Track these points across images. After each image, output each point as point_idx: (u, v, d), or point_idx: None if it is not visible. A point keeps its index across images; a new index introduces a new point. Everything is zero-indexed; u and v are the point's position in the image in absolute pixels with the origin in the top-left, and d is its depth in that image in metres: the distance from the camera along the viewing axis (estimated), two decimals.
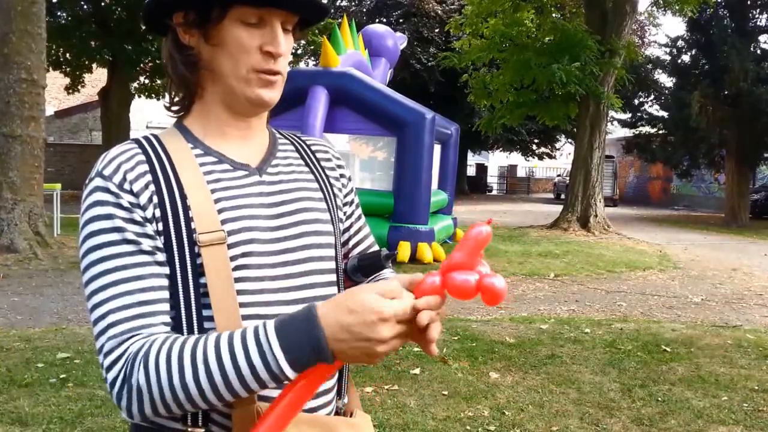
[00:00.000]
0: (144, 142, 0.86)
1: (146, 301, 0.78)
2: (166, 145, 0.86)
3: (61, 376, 3.39)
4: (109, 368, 0.76)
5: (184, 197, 0.82)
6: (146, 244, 0.79)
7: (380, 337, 0.70)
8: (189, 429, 0.81)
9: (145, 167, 0.82)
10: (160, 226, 0.81)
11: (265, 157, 0.91)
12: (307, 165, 0.96)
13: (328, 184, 0.97)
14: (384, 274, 1.00)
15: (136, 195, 0.80)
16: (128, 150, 0.84)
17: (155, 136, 0.88)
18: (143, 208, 0.80)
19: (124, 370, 0.75)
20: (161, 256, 0.80)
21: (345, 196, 1.01)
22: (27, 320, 4.76)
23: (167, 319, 0.79)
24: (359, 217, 1.04)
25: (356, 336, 0.70)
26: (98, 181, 0.81)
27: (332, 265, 0.92)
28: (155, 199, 0.81)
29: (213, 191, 0.84)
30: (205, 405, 0.75)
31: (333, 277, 0.92)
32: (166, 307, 0.80)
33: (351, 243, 1.02)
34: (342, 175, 1.01)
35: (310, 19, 0.90)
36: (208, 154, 0.87)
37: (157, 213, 0.81)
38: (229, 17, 0.82)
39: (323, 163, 0.98)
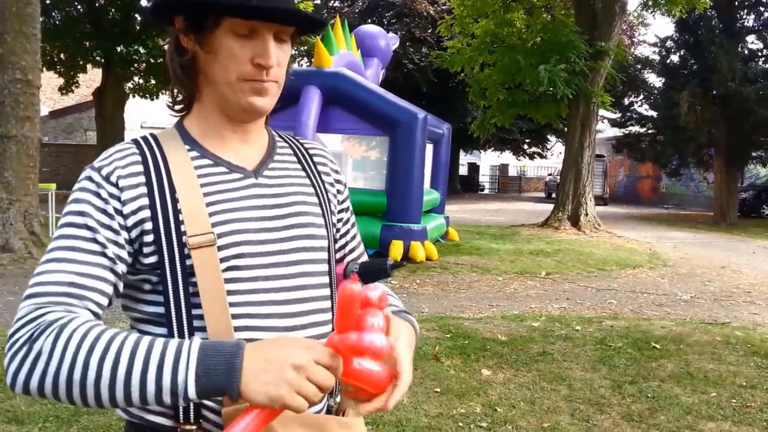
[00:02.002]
0: (142, 143, 0.88)
1: (78, 284, 0.79)
2: (164, 147, 0.88)
3: None
4: (18, 329, 0.74)
5: (175, 200, 0.84)
6: (103, 234, 0.81)
7: (298, 361, 0.71)
8: (181, 426, 0.82)
9: (140, 168, 0.85)
10: (150, 226, 0.83)
11: (263, 160, 0.93)
12: (303, 169, 0.98)
13: (323, 189, 0.98)
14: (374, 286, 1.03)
15: (121, 189, 0.83)
16: (125, 149, 0.87)
17: (154, 137, 0.90)
18: (123, 203, 0.82)
19: (32, 331, 0.74)
20: (113, 251, 0.81)
21: (340, 203, 1.03)
22: None
23: (94, 308, 0.80)
24: (353, 224, 1.07)
25: (273, 359, 0.71)
26: (88, 172, 0.85)
27: (325, 267, 0.94)
28: (145, 200, 0.83)
29: (206, 194, 0.85)
30: (93, 396, 0.71)
31: (326, 280, 0.94)
32: (99, 297, 0.80)
33: (347, 249, 1.04)
34: (338, 181, 1.03)
35: (305, 30, 0.92)
36: (205, 156, 0.89)
37: (147, 213, 0.83)
38: (222, 27, 0.84)
39: (320, 168, 1.00)
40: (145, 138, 0.90)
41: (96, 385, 0.71)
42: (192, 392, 0.71)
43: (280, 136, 1.01)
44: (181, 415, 0.82)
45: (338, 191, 1.02)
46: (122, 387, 0.71)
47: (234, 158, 0.90)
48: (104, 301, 0.81)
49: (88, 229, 0.81)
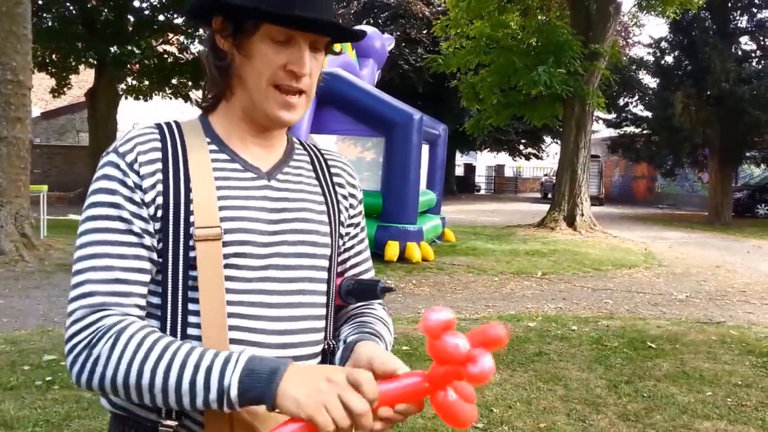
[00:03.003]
0: (165, 129, 0.89)
1: (124, 280, 0.81)
2: (185, 136, 0.89)
3: (47, 379, 3.36)
4: (76, 333, 0.79)
5: (188, 190, 0.84)
6: (137, 225, 0.82)
7: (332, 376, 0.73)
8: (162, 421, 0.82)
9: (159, 154, 0.85)
10: (160, 213, 0.83)
11: (278, 164, 0.94)
12: (317, 179, 0.98)
13: (334, 200, 0.98)
14: (373, 304, 1.02)
15: (142, 177, 0.84)
16: (148, 134, 0.87)
17: (177, 125, 0.91)
18: (144, 191, 0.83)
19: (91, 337, 0.78)
20: (148, 240, 0.83)
21: (351, 217, 1.02)
22: (13, 323, 4.71)
23: (141, 302, 0.82)
24: (362, 240, 1.05)
25: (312, 373, 0.74)
26: (112, 157, 0.85)
27: (324, 275, 0.94)
28: (160, 186, 0.84)
29: (219, 188, 0.86)
30: (148, 399, 0.76)
31: (323, 287, 0.93)
32: (143, 290, 0.83)
33: (349, 263, 1.03)
34: (353, 195, 1.02)
35: (340, 40, 0.92)
36: (223, 151, 0.90)
37: (160, 200, 0.84)
38: (260, 32, 0.85)
39: (335, 179, 1.00)
40: (168, 124, 0.91)
41: (150, 389, 0.75)
42: (234, 395, 0.74)
43: (301, 144, 1.01)
44: (163, 410, 0.82)
45: (351, 205, 1.01)
46: (174, 392, 0.75)
47: (250, 158, 0.91)
48: (145, 291, 0.84)
49: (123, 220, 0.82)
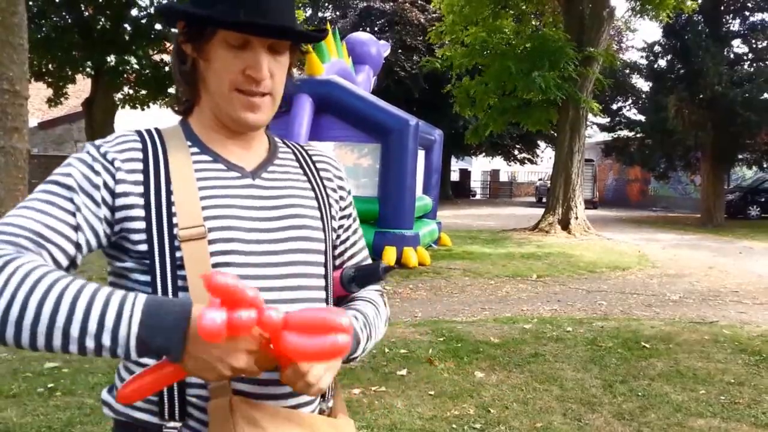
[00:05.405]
0: (145, 133, 0.90)
1: (42, 236, 0.78)
2: (165, 139, 0.90)
3: (49, 386, 3.38)
4: None
5: (169, 191, 0.84)
6: (81, 199, 0.82)
7: (233, 363, 0.73)
8: (165, 423, 0.83)
9: (139, 155, 0.86)
10: (142, 214, 0.83)
11: (262, 163, 0.95)
12: (305, 174, 0.99)
13: (324, 194, 0.99)
14: (369, 290, 1.03)
15: (117, 168, 0.84)
16: (128, 136, 0.89)
17: (157, 130, 0.92)
18: (117, 182, 0.84)
19: None
20: (84, 217, 0.81)
21: (342, 209, 1.03)
22: None
23: (49, 260, 0.78)
24: (356, 231, 1.06)
25: (213, 350, 0.72)
26: (88, 147, 0.87)
27: (320, 270, 0.94)
28: (141, 188, 0.84)
29: (202, 188, 0.86)
30: (28, 336, 0.70)
31: (321, 282, 0.94)
32: (58, 254, 0.79)
33: (346, 255, 1.03)
34: (341, 188, 1.03)
35: (301, 42, 0.94)
36: (204, 152, 0.91)
37: (140, 201, 0.84)
38: (217, 37, 0.86)
39: (322, 173, 1.01)
40: (148, 130, 0.92)
41: (32, 328, 0.69)
42: (133, 339, 0.71)
43: (283, 142, 1.02)
44: (166, 413, 0.83)
45: (341, 197, 1.02)
46: (60, 329, 0.70)
47: (233, 158, 0.92)
48: (63, 261, 0.80)
49: (69, 189, 0.82)
